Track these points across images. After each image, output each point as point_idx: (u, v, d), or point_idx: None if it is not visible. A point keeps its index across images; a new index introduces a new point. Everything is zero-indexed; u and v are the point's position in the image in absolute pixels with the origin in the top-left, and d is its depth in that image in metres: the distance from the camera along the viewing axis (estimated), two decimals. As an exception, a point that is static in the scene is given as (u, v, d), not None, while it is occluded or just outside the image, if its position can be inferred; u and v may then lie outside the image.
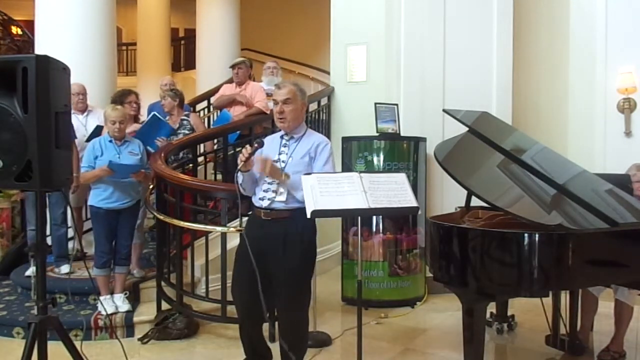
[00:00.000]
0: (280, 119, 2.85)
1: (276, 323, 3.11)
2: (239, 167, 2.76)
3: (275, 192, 2.79)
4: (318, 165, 2.84)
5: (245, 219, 3.11)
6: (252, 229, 2.87)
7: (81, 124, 4.63)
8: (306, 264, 2.84)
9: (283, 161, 2.84)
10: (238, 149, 4.93)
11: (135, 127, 4.54)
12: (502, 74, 5.31)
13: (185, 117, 4.98)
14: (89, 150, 3.85)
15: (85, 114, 4.74)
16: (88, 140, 4.22)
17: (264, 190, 2.83)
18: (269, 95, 5.10)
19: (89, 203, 3.94)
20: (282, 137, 2.93)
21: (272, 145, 2.92)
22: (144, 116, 5.45)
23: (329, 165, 2.87)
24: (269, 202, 2.80)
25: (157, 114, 4.69)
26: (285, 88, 2.85)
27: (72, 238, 4.86)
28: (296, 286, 2.81)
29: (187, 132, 4.86)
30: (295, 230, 2.78)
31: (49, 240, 4.46)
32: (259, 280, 2.67)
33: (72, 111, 4.54)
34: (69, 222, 4.81)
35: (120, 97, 4.54)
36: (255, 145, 2.77)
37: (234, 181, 2.86)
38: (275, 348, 3.08)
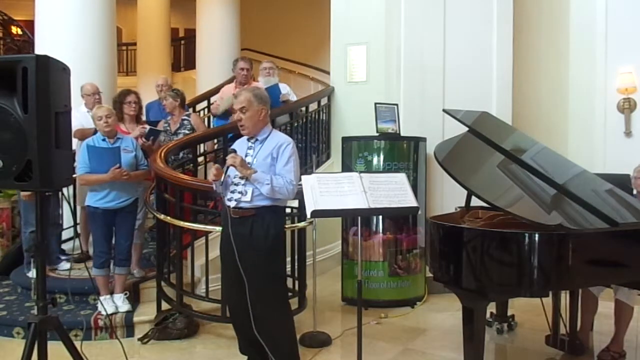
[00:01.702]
0: (240, 126, 2.99)
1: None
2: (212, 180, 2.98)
3: (241, 193, 2.90)
4: (279, 166, 2.94)
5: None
6: (224, 228, 3.00)
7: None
8: (272, 259, 2.94)
9: (249, 163, 2.95)
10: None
11: (140, 130, 4.48)
12: (502, 73, 5.31)
13: (185, 117, 4.99)
14: (84, 150, 3.85)
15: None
16: None
17: (230, 192, 2.95)
18: None
19: (85, 203, 3.93)
20: (248, 139, 3.05)
21: (240, 147, 3.05)
22: (144, 116, 5.45)
23: (290, 164, 2.94)
24: (235, 202, 2.92)
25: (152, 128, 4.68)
26: (240, 96, 2.99)
27: (70, 238, 4.87)
28: (263, 282, 2.89)
29: (187, 132, 4.87)
30: (261, 227, 2.89)
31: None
32: (246, 281, 2.81)
33: (88, 110, 4.59)
34: (67, 223, 4.82)
35: (120, 97, 4.53)
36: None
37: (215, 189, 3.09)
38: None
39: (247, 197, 2.88)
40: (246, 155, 2.98)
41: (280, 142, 2.97)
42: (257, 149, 2.98)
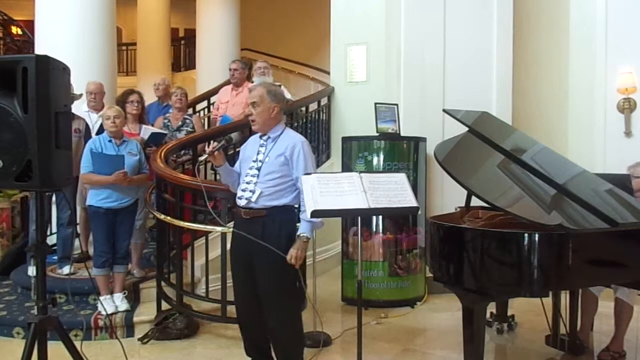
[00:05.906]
0: (251, 121, 2.97)
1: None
2: (203, 157, 3.03)
3: (252, 192, 2.87)
4: (299, 172, 2.86)
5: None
6: (236, 228, 2.97)
7: (91, 122, 4.58)
8: (285, 259, 2.84)
9: (260, 160, 2.91)
10: (238, 149, 4.93)
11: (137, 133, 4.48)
12: (502, 73, 5.32)
13: (188, 117, 5.04)
14: (89, 149, 3.85)
15: (100, 113, 4.70)
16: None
17: (242, 190, 2.92)
18: None
19: (87, 203, 3.93)
20: (260, 137, 3.01)
21: (253, 145, 3.02)
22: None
23: (309, 165, 2.91)
24: (246, 201, 2.89)
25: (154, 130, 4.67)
26: (254, 91, 2.97)
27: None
28: (277, 282, 2.84)
29: (190, 129, 4.90)
30: (273, 227, 2.85)
31: (50, 240, 4.45)
32: (259, 283, 2.78)
33: (88, 110, 4.58)
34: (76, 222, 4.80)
35: (122, 97, 4.54)
36: (222, 142, 3.00)
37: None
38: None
39: (254, 197, 2.84)
40: (258, 153, 2.93)
41: (293, 142, 2.91)
42: (270, 147, 2.92)
